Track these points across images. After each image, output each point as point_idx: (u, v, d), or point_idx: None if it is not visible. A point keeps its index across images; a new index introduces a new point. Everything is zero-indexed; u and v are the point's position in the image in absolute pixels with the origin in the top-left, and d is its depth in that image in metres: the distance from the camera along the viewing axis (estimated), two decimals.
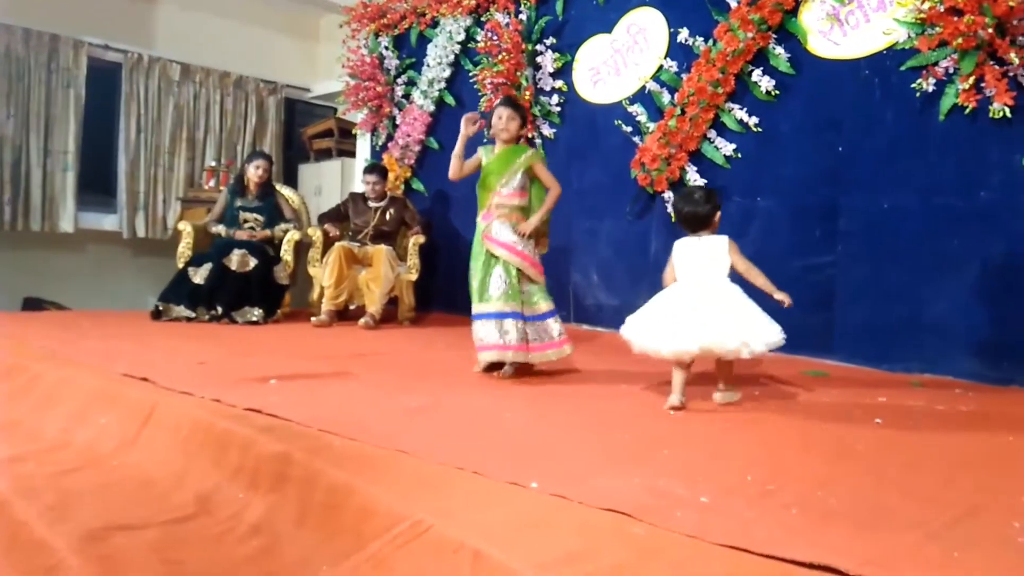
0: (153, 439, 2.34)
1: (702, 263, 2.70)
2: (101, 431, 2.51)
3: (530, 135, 5.37)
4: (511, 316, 3.13)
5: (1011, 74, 3.37)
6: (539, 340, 3.20)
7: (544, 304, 3.25)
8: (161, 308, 4.91)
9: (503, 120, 3.30)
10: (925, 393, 3.12)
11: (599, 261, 5.08)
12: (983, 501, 1.60)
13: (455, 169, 3.34)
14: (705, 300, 2.60)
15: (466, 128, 3.28)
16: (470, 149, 3.37)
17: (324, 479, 1.70)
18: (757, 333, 2.54)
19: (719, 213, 2.80)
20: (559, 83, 5.30)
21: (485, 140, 3.49)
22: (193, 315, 4.89)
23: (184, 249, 5.26)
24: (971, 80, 3.44)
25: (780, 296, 2.64)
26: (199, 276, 4.97)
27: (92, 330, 4.19)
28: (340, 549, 1.51)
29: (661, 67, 4.70)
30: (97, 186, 6.63)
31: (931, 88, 3.61)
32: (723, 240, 2.71)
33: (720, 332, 2.51)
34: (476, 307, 3.22)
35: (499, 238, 3.22)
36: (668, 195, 4.60)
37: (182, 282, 5.01)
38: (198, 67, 6.96)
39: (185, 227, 5.36)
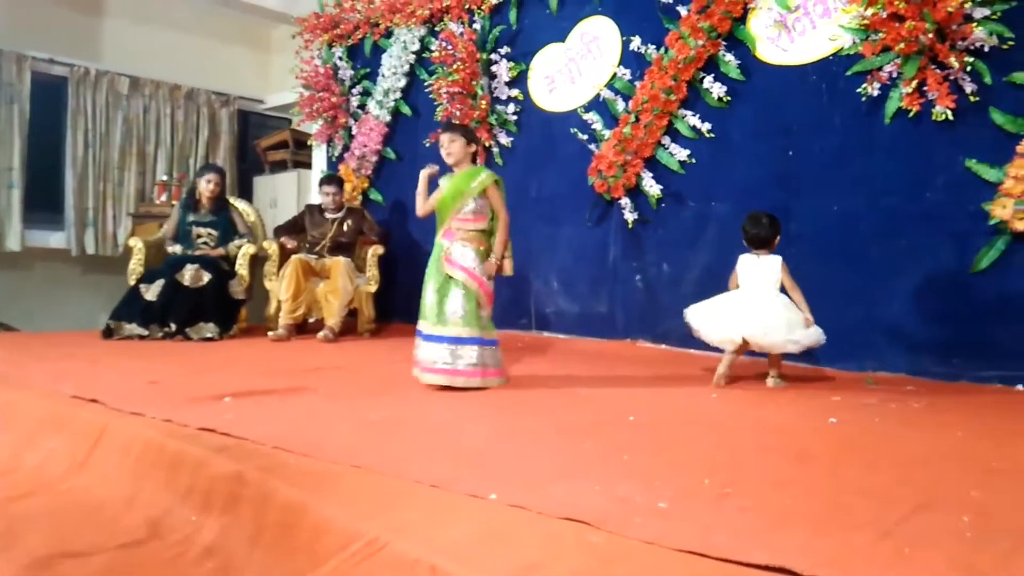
0: (103, 462, 2.27)
1: (760, 277, 3.27)
2: (50, 455, 2.43)
3: (487, 143, 5.37)
4: (470, 342, 3.08)
5: (952, 78, 3.47)
6: (495, 365, 3.18)
7: (493, 332, 3.24)
8: (112, 326, 4.79)
9: (444, 147, 3.30)
10: (878, 391, 3.18)
11: (559, 268, 5.10)
12: (935, 497, 1.63)
13: (419, 206, 3.35)
14: (760, 305, 3.20)
15: (426, 171, 3.32)
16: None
17: (278, 498, 1.66)
18: (802, 332, 3.14)
19: (779, 237, 3.33)
20: (515, 92, 5.31)
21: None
22: (146, 333, 4.77)
23: (135, 265, 5.14)
24: (914, 84, 3.54)
25: (806, 316, 3.21)
26: (151, 293, 4.86)
27: (41, 351, 4.07)
28: (295, 570, 1.48)
29: (615, 75, 4.74)
30: (44, 203, 6.45)
31: (876, 92, 3.70)
32: (777, 260, 3.27)
33: (769, 330, 3.13)
34: (428, 328, 3.14)
35: (460, 262, 3.18)
36: (625, 201, 4.64)
37: (134, 299, 4.89)
38: (147, 80, 6.83)
39: (136, 243, 5.24)
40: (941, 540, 1.35)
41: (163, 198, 6.52)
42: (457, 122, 4.00)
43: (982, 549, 1.31)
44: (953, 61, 3.40)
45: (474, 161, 3.41)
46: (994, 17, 3.36)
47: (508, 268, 3.35)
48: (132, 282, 5.04)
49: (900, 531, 1.39)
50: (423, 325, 3.18)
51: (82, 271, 6.61)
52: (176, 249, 5.18)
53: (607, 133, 4.71)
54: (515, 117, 5.33)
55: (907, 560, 1.26)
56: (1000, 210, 3.34)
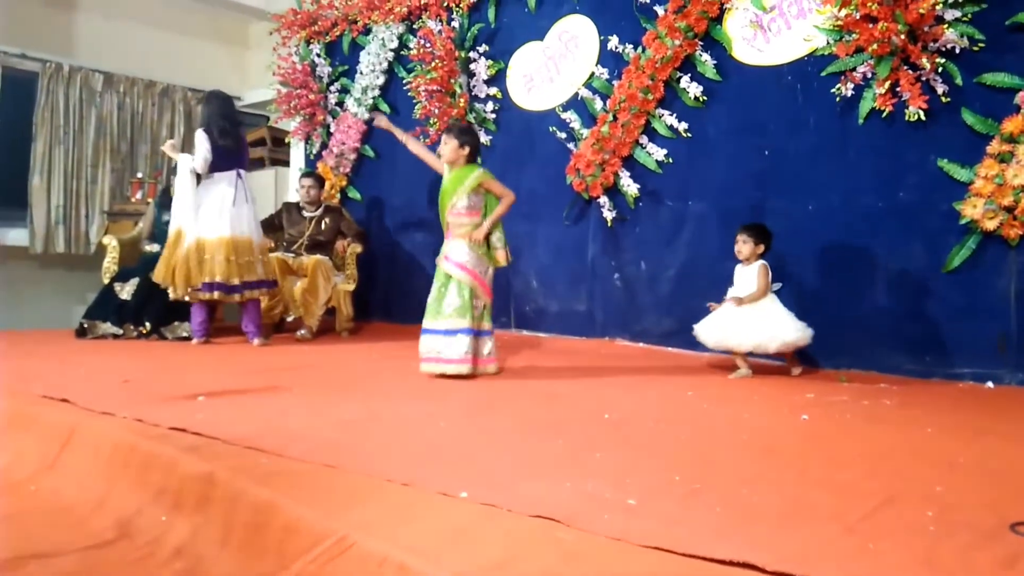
0: (72, 463, 2.25)
1: (743, 285, 3.57)
2: (17, 456, 2.41)
3: None
4: (462, 332, 3.27)
5: (924, 79, 3.51)
6: (481, 355, 3.38)
7: (487, 323, 3.42)
8: (86, 326, 4.74)
9: (441, 144, 3.45)
10: (851, 388, 3.21)
11: (538, 267, 5.10)
12: (900, 491, 1.65)
13: (430, 163, 3.62)
14: (742, 313, 3.48)
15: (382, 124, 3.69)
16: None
17: (248, 498, 1.65)
18: (782, 333, 3.41)
19: (763, 246, 3.59)
20: (493, 90, 5.31)
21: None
22: (120, 332, 4.73)
23: (110, 264, 5.09)
24: (887, 85, 3.57)
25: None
26: (126, 292, 4.81)
27: (10, 350, 4.01)
28: (264, 570, 1.47)
29: (593, 74, 4.75)
30: (12, 201, 6.32)
31: (850, 93, 3.74)
32: (754, 267, 3.55)
33: (749, 335, 3.43)
34: (429, 322, 3.35)
35: (452, 257, 3.36)
36: (603, 200, 4.65)
37: (108, 298, 4.84)
38: (122, 76, 6.74)
39: (110, 241, 5.18)
40: (904, 534, 1.37)
41: (138, 196, 6.44)
42: (458, 124, 4.09)
43: (943, 543, 1.33)
44: (925, 62, 3.44)
45: (473, 160, 3.45)
46: (964, 19, 3.41)
47: (502, 258, 3.48)
48: (106, 281, 4.99)
49: (864, 526, 1.41)
50: (425, 321, 3.39)
51: (49, 268, 6.46)
52: (152, 248, 5.13)
53: (585, 132, 4.72)
54: (494, 115, 5.33)
55: (870, 554, 1.27)
56: (971, 210, 3.38)
